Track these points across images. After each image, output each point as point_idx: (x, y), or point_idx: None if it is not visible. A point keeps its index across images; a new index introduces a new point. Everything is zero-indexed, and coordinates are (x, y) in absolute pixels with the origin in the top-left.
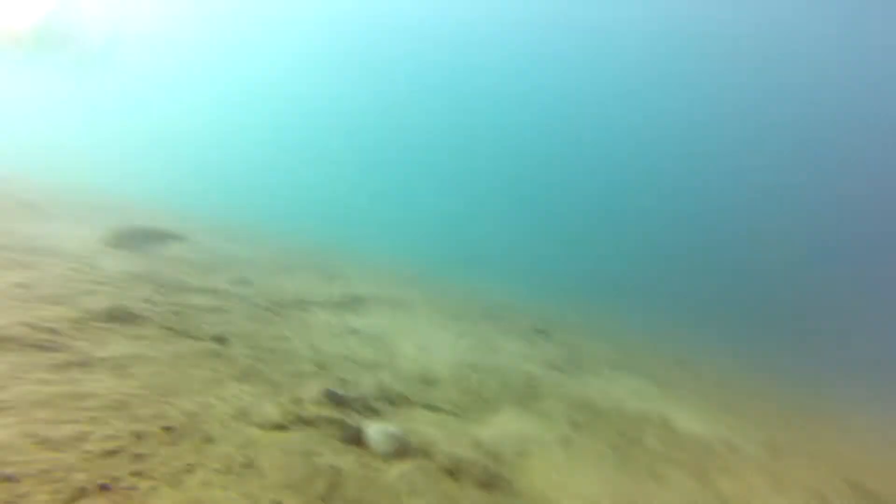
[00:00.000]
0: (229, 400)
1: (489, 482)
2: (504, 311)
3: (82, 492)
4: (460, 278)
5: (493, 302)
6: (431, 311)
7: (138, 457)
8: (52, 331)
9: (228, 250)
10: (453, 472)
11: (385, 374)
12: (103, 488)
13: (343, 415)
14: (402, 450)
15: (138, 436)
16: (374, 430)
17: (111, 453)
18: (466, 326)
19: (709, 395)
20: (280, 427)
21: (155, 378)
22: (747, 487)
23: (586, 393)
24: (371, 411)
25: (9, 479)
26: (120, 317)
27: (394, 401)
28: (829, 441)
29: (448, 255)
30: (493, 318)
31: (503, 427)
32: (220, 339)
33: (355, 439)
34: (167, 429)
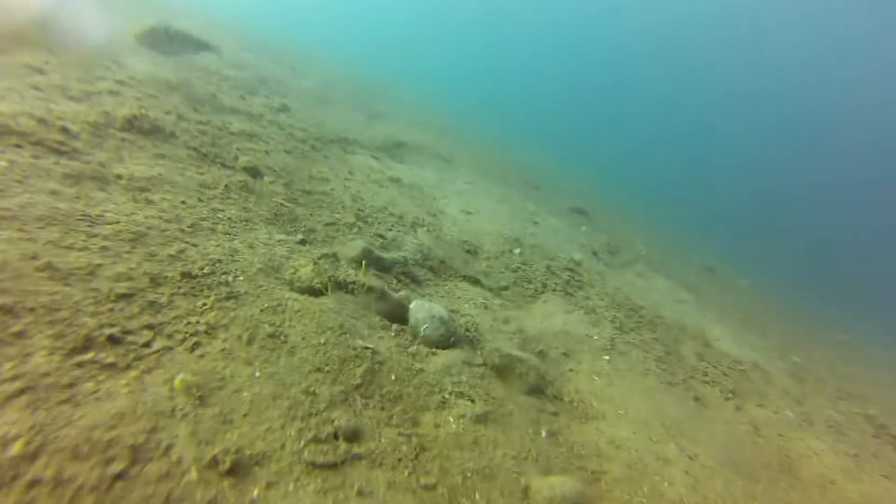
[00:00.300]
0: (258, 248)
1: (536, 387)
2: (544, 182)
3: (88, 341)
4: (503, 140)
5: (532, 169)
6: (473, 170)
7: (153, 305)
8: (66, 131)
9: (270, 72)
10: (501, 371)
11: (427, 237)
12: (112, 340)
13: (383, 281)
14: (447, 336)
15: (154, 279)
16: (419, 309)
17: (123, 297)
18: (507, 192)
19: (737, 309)
20: (313, 291)
21: (177, 209)
22: (776, 418)
23: (627, 291)
24: (412, 280)
25: (4, 309)
26: (144, 128)
27: (436, 269)
28: (852, 376)
29: (494, 117)
30: (534, 188)
31: (548, 319)
32: (254, 172)
33: (396, 315)
34: (187, 275)
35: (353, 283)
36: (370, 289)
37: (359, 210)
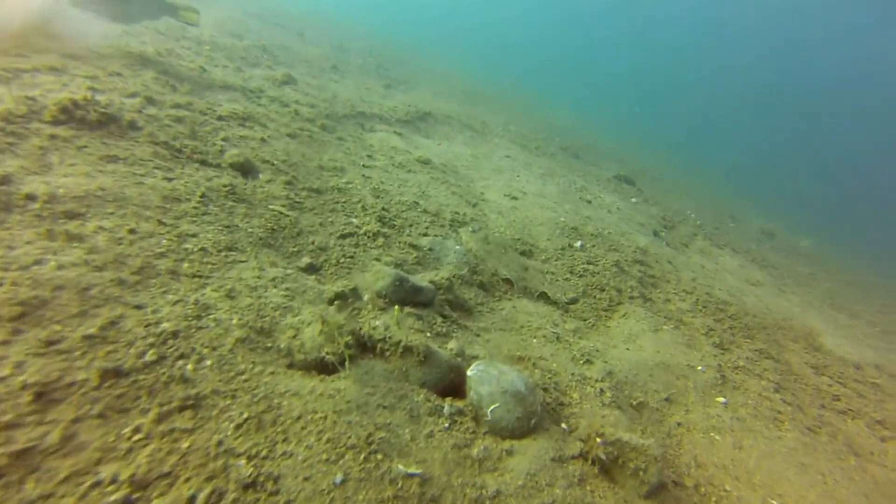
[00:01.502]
0: (241, 297)
1: (658, 485)
2: (583, 149)
3: None
4: (532, 103)
5: (567, 133)
6: (508, 140)
7: (26, 455)
8: None
9: (275, 39)
10: (608, 468)
11: (473, 239)
12: None
13: (424, 324)
14: (526, 419)
15: (44, 394)
16: (483, 380)
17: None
18: (549, 164)
19: (814, 283)
20: (323, 367)
21: (120, 245)
22: None
23: (701, 280)
24: (461, 310)
25: None
26: (88, 119)
27: (488, 285)
28: None
29: (523, 77)
30: (574, 156)
31: (634, 342)
32: (245, 168)
33: (447, 382)
34: (113, 374)
35: (384, 340)
36: (408, 349)
37: (384, 210)
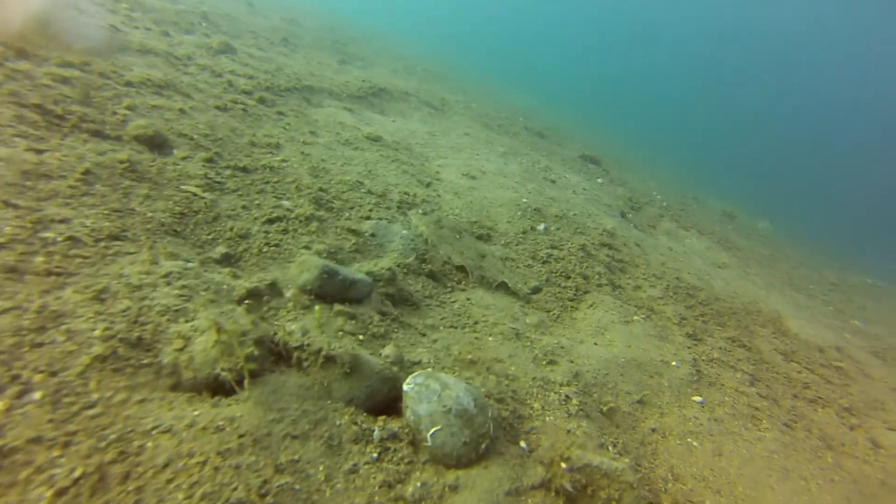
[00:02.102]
0: (118, 299)
1: None
2: (548, 129)
3: None
4: (495, 85)
5: (530, 113)
6: (470, 118)
7: None
8: None
9: (220, 7)
10: (574, 500)
11: (423, 223)
12: None
13: (356, 324)
14: (474, 443)
15: None
16: (421, 396)
17: None
18: (512, 143)
19: (774, 264)
20: (218, 387)
21: None
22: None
23: (670, 264)
24: (405, 304)
25: None
26: None
27: (438, 274)
28: None
29: (483, 59)
30: (538, 135)
31: (603, 336)
32: (155, 143)
33: (380, 397)
34: None
35: (301, 348)
36: (331, 359)
37: (321, 191)
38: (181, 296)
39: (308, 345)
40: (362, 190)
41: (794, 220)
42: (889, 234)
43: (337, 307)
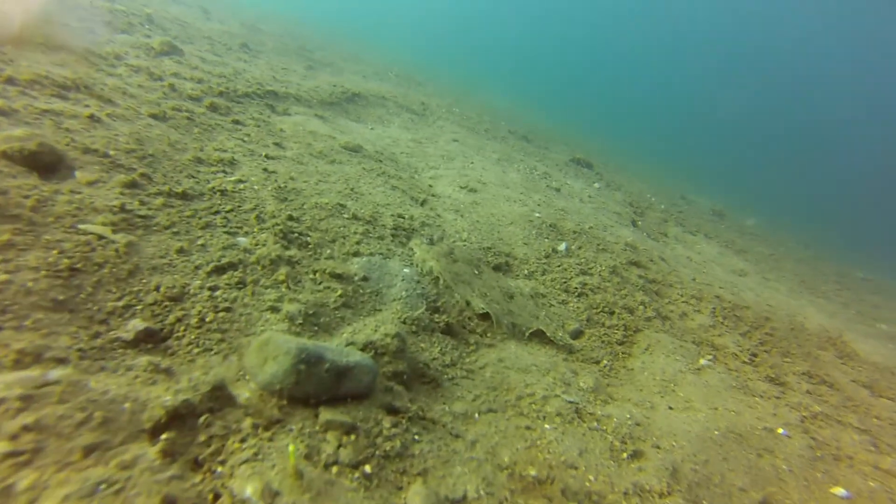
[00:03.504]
0: None
1: None
2: (531, 132)
3: None
4: (466, 86)
5: (510, 116)
6: (453, 123)
7: None
8: None
9: (170, 12)
10: None
11: (429, 255)
12: None
13: (360, 448)
14: None
15: None
16: None
17: None
18: (503, 148)
19: (780, 265)
20: None
21: None
22: None
23: (700, 278)
24: (420, 384)
25: None
26: None
27: (457, 327)
28: None
29: (452, 63)
30: (524, 139)
31: (673, 393)
32: (41, 161)
33: None
34: None
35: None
36: None
37: (291, 220)
38: (13, 456)
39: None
40: (345, 215)
41: (775, 215)
42: (861, 226)
43: (325, 415)
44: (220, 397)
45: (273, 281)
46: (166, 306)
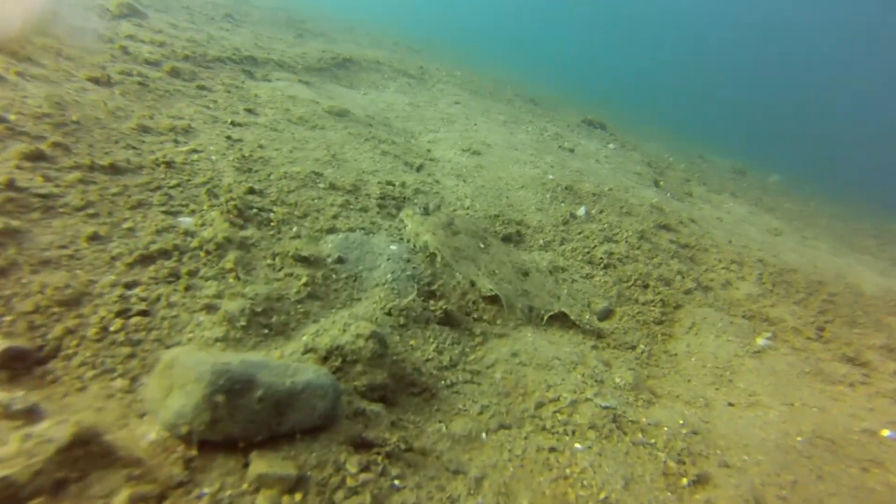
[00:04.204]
0: None
1: None
2: (537, 96)
3: None
4: (469, 57)
5: (516, 83)
6: (456, 86)
7: None
8: None
9: None
10: None
11: (423, 228)
12: None
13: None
14: None
15: None
16: None
17: None
18: (509, 110)
19: (811, 222)
20: None
21: None
22: None
23: (735, 240)
24: (408, 397)
25: None
26: None
27: (459, 315)
28: None
29: (454, 35)
30: (531, 102)
31: (740, 394)
32: None
33: None
34: None
35: None
36: None
37: (251, 193)
38: None
39: None
40: (321, 185)
41: (797, 172)
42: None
43: (257, 465)
44: (86, 456)
45: (218, 270)
46: (53, 314)
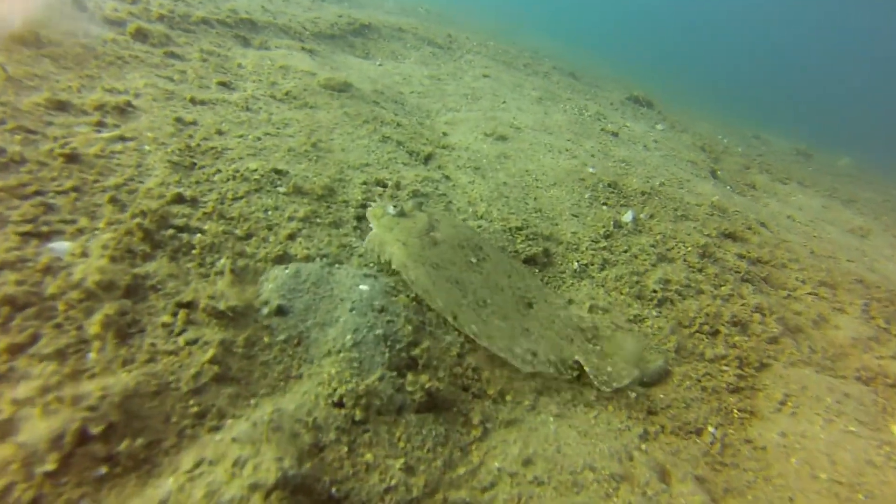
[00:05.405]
0: None
1: None
2: (578, 70)
3: None
4: (505, 26)
5: (556, 56)
6: (486, 57)
7: None
8: None
9: None
10: None
11: (396, 236)
12: None
13: None
14: None
15: None
16: None
17: None
18: (544, 85)
19: None
20: None
21: None
22: None
23: (818, 249)
24: None
25: None
26: None
27: (449, 397)
28: None
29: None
30: (570, 76)
31: None
32: None
33: None
34: None
35: None
36: None
37: (176, 202)
38: None
39: None
40: (280, 189)
41: (868, 152)
42: None
43: None
44: None
45: (69, 341)
46: None
